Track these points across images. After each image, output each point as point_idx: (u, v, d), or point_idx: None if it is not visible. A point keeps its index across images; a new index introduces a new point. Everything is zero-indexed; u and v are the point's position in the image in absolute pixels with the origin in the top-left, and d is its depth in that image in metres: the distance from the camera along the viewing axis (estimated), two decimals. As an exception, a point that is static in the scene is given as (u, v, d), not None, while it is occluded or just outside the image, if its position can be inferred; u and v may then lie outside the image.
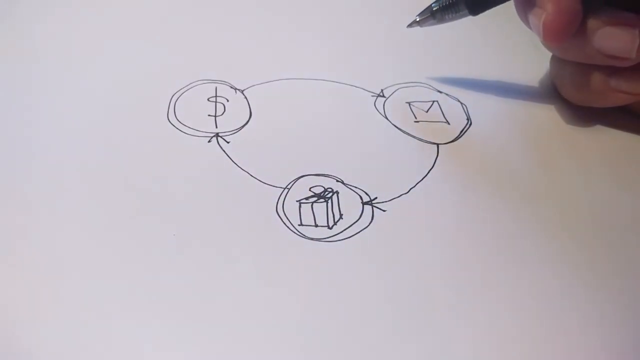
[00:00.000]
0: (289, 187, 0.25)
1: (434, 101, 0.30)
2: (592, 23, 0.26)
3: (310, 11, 0.35)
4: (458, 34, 0.33)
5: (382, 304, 0.21)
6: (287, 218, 0.24)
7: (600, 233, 0.24)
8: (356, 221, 0.24)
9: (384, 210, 0.24)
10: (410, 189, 0.25)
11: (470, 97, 0.30)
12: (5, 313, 0.20)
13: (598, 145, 0.28)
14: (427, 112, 0.29)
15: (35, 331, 0.20)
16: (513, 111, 0.30)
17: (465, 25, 0.29)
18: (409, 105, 0.29)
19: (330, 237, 0.23)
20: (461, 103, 0.30)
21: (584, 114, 0.29)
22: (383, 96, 0.30)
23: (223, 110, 0.28)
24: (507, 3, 0.27)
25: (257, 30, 0.33)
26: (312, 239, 0.23)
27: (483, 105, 0.30)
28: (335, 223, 0.24)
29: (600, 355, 0.21)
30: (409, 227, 0.24)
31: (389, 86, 0.30)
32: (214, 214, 0.24)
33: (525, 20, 0.27)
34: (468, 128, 0.28)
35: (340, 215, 0.24)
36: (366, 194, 0.25)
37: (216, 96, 0.29)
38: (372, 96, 0.30)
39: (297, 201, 0.24)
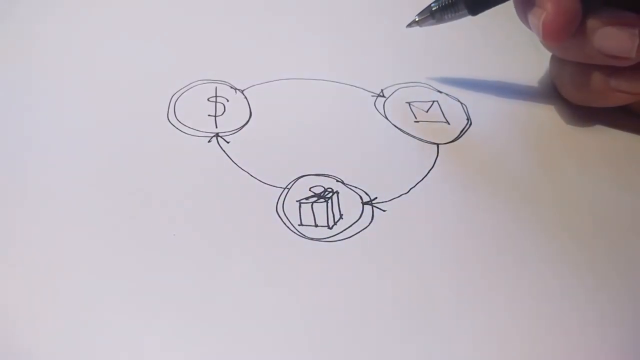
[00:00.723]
0: (289, 187, 0.25)
1: (434, 101, 0.30)
2: (591, 23, 0.26)
3: (310, 11, 0.35)
4: (458, 34, 0.33)
5: (382, 304, 0.21)
6: (287, 218, 0.24)
7: (600, 233, 0.24)
8: (356, 221, 0.24)
9: (384, 210, 0.24)
10: (410, 189, 0.25)
11: (470, 97, 0.30)
12: (5, 313, 0.20)
13: (598, 145, 0.28)
14: (427, 112, 0.29)
15: (35, 331, 0.20)
16: (513, 111, 0.30)
17: (465, 25, 0.29)
18: (409, 105, 0.29)
19: (330, 237, 0.23)
20: (461, 103, 0.30)
21: (584, 114, 0.29)
22: (383, 96, 0.30)
23: (223, 110, 0.28)
24: (506, 3, 0.27)
25: (257, 30, 0.33)
26: (312, 239, 0.23)
27: (483, 105, 0.30)
28: (335, 223, 0.24)
29: (600, 355, 0.21)
30: (409, 227, 0.24)
31: (389, 86, 0.30)
32: (214, 214, 0.24)
33: (525, 20, 0.27)
34: (468, 128, 0.28)
35: (340, 215, 0.24)
36: (366, 194, 0.25)
37: (216, 96, 0.29)
38: (372, 96, 0.30)
39: (297, 201, 0.24)
